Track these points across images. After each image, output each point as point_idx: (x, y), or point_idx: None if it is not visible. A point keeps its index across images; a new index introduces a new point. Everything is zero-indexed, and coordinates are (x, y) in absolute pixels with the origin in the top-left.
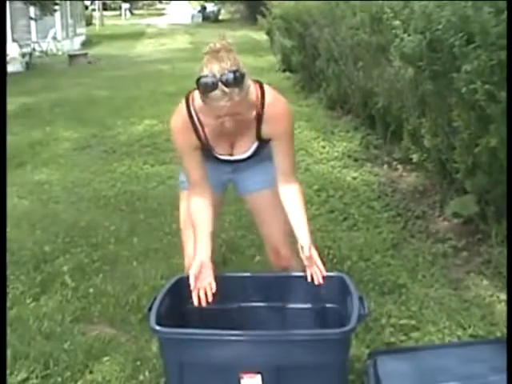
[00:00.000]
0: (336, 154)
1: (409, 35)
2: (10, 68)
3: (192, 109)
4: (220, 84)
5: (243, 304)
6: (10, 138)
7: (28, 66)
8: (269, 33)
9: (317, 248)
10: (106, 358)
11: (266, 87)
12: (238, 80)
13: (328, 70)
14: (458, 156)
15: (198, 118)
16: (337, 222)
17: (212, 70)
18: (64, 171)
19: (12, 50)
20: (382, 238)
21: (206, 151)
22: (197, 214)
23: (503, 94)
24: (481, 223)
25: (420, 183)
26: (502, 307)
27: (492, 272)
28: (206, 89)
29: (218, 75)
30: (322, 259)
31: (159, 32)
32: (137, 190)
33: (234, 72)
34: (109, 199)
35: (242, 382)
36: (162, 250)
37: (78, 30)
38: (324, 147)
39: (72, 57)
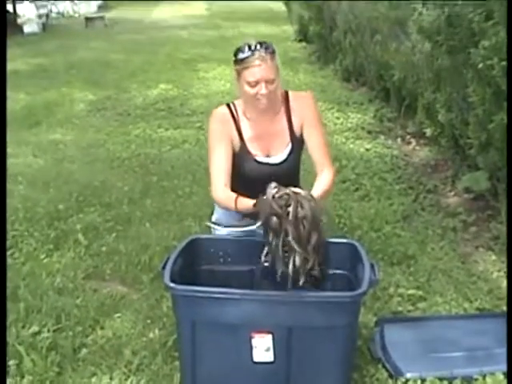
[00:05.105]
0: (350, 125)
1: (427, 9)
2: (26, 29)
3: (232, 106)
4: (256, 49)
5: (256, 267)
6: (25, 98)
7: (44, 27)
8: (287, 4)
9: (328, 216)
10: (117, 315)
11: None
12: (270, 49)
13: (345, 41)
14: (471, 132)
15: (237, 113)
16: (348, 191)
17: (248, 42)
18: (79, 132)
19: (29, 10)
20: (392, 210)
21: (243, 154)
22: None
23: None
24: (491, 199)
25: (432, 158)
26: None
27: (500, 248)
28: (244, 54)
29: (254, 43)
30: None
31: None
32: (151, 152)
33: (267, 43)
34: (123, 161)
35: (253, 341)
36: (175, 213)
37: None
38: (338, 118)
39: (88, 19)
